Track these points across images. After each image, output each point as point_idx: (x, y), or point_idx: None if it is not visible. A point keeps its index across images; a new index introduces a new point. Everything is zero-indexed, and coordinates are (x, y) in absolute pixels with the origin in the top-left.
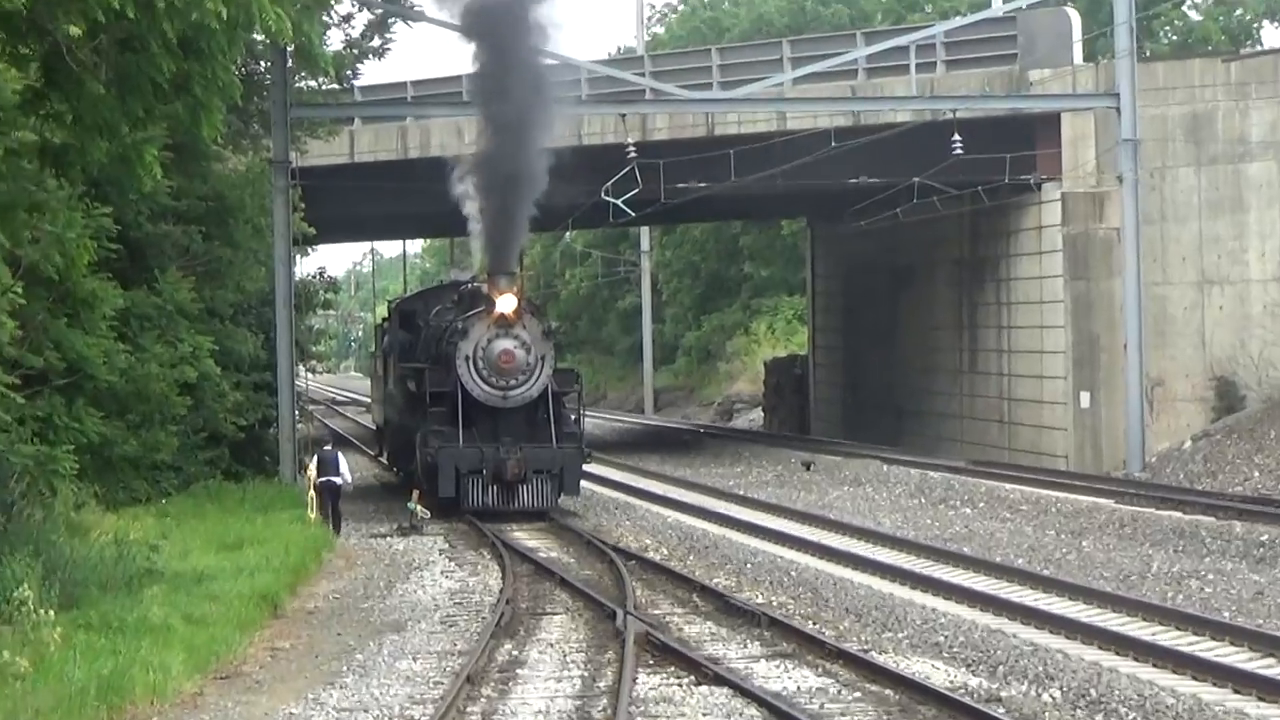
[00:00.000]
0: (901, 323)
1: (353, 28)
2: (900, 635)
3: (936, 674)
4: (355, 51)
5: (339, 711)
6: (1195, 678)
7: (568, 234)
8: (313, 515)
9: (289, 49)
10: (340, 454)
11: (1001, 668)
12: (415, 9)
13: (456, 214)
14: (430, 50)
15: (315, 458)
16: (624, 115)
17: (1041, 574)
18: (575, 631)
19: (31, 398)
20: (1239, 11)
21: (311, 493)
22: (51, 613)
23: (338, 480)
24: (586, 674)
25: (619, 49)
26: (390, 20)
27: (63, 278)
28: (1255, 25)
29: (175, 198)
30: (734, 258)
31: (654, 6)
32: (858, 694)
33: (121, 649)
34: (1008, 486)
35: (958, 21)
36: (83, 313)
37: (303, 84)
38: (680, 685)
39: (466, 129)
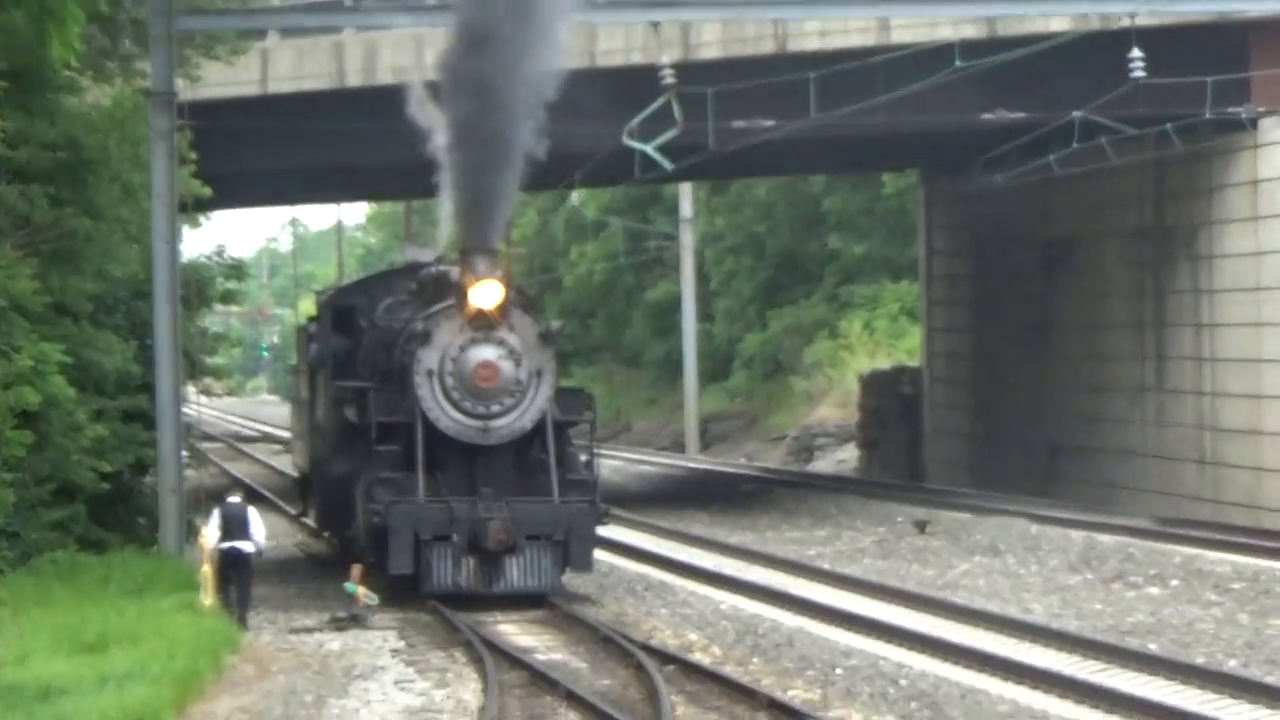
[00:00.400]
0: (1057, 320)
1: None
2: None
3: None
4: None
5: None
6: None
7: (575, 195)
8: (208, 600)
9: None
10: (251, 509)
11: None
12: None
13: (415, 167)
14: None
15: (215, 514)
16: (657, 23)
17: (1264, 682)
18: None
19: None
20: None
21: (207, 567)
22: None
23: (247, 547)
24: None
25: None
26: None
27: None
28: None
29: (10, 145)
30: (814, 228)
31: None
32: None
33: None
34: (1212, 555)
35: None
36: None
37: None
38: None
39: (430, 44)
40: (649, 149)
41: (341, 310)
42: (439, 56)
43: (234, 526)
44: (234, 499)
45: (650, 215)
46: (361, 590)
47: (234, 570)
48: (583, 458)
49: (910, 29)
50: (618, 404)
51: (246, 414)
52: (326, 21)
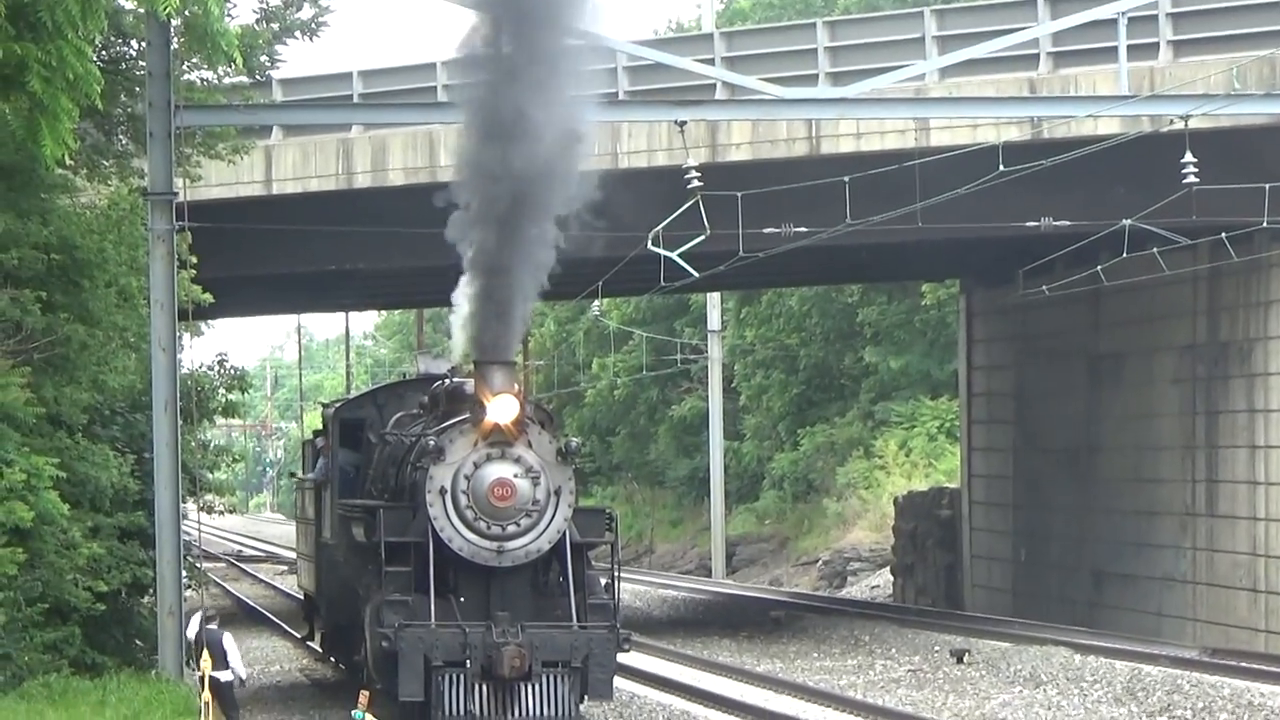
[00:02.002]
0: (1103, 440)
1: None
2: None
3: None
4: (274, 27)
5: None
6: None
7: (597, 304)
8: None
9: (173, 22)
10: (227, 635)
11: None
12: None
13: (427, 273)
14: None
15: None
16: (683, 123)
17: None
18: None
19: None
20: None
21: (207, 694)
22: None
23: (224, 675)
24: None
25: (673, 24)
26: None
27: None
28: None
29: (1, 247)
30: (849, 341)
31: None
32: None
33: None
34: (1265, 689)
35: None
36: None
37: (195, 76)
38: None
39: (443, 143)
40: (675, 255)
41: (349, 424)
42: (454, 154)
43: (213, 654)
44: (211, 625)
45: (676, 327)
46: (369, 718)
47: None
48: (603, 581)
49: (950, 131)
50: (640, 525)
51: (250, 532)
52: (333, 118)
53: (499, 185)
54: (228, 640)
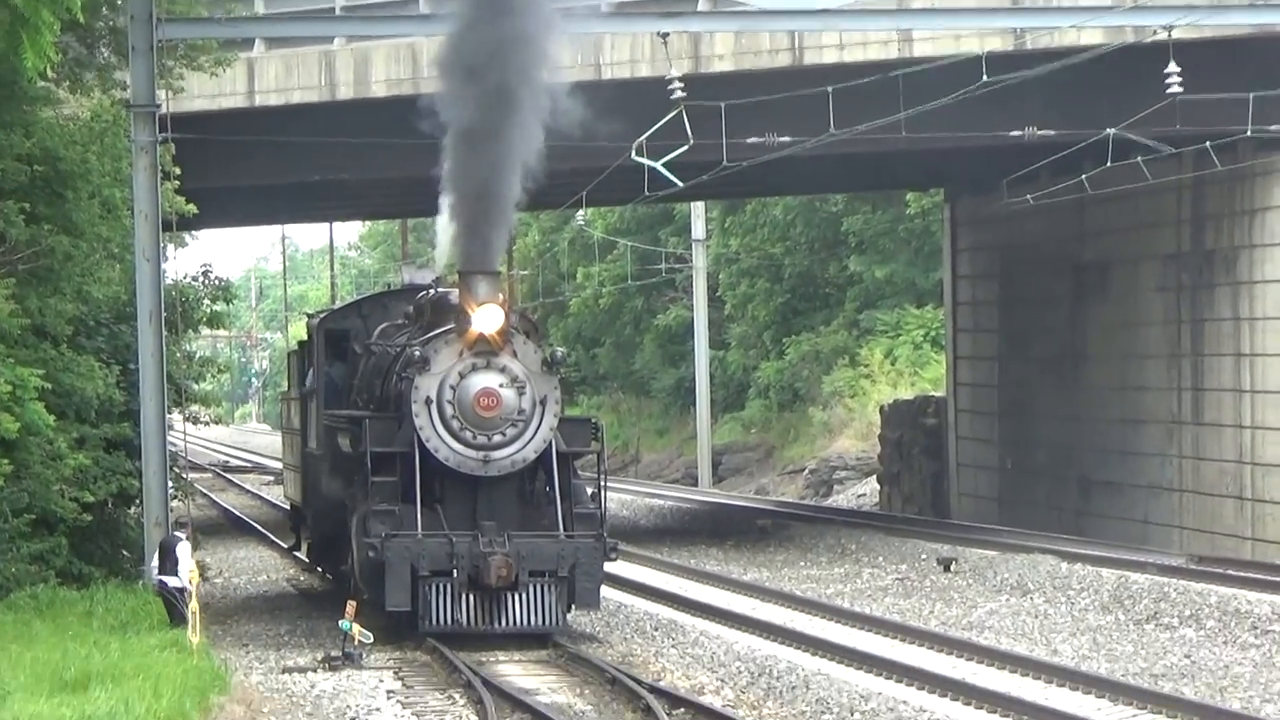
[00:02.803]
0: (1088, 349)
1: None
2: None
3: None
4: None
5: None
6: None
7: (581, 214)
8: (195, 637)
9: None
10: (181, 543)
11: None
12: None
13: (411, 183)
14: None
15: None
16: (666, 35)
17: None
18: None
19: None
20: None
21: (194, 604)
22: None
23: (172, 581)
24: None
25: None
26: None
27: None
28: None
29: None
30: (834, 250)
31: None
32: None
33: None
34: (1251, 596)
35: None
36: None
37: None
38: None
39: (425, 53)
40: (659, 165)
41: (335, 334)
42: (435, 62)
43: (165, 560)
44: (177, 533)
45: (661, 236)
46: (356, 628)
47: (169, 604)
48: (589, 490)
49: (933, 41)
50: (626, 434)
51: (235, 443)
52: (316, 30)
53: (478, 94)
54: (182, 549)
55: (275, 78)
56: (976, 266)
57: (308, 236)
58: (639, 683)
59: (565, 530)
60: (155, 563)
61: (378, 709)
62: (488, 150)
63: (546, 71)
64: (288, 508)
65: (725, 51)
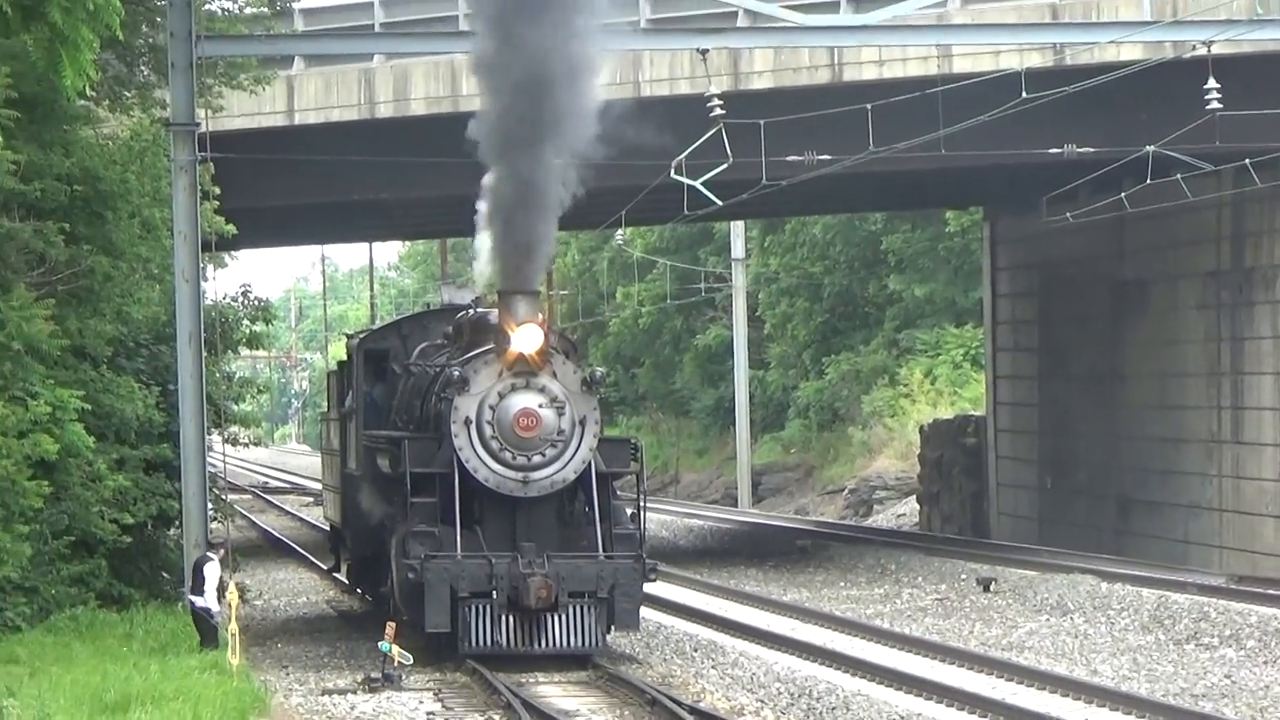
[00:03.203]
0: (1128, 367)
1: None
2: None
3: None
4: None
5: None
6: None
7: (620, 233)
8: (235, 659)
9: None
10: (209, 563)
11: None
12: None
13: (451, 203)
14: None
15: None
16: (705, 51)
17: None
18: None
19: None
20: None
21: (234, 626)
22: None
23: (199, 601)
24: None
25: None
26: None
27: None
28: None
29: (23, 180)
30: (874, 269)
31: None
32: None
33: None
34: None
35: None
36: None
37: (216, 6)
38: None
39: (465, 72)
40: (698, 184)
41: (374, 355)
42: (473, 76)
43: (195, 579)
44: (209, 552)
45: (700, 255)
46: (396, 649)
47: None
48: (629, 511)
49: (973, 58)
50: (665, 454)
51: (275, 464)
52: (355, 48)
53: (516, 114)
54: (210, 568)
55: (315, 96)
56: (1016, 285)
57: (347, 256)
58: (679, 704)
59: (605, 551)
60: (189, 582)
61: None
62: (526, 170)
63: (585, 90)
64: (327, 529)
65: (765, 68)
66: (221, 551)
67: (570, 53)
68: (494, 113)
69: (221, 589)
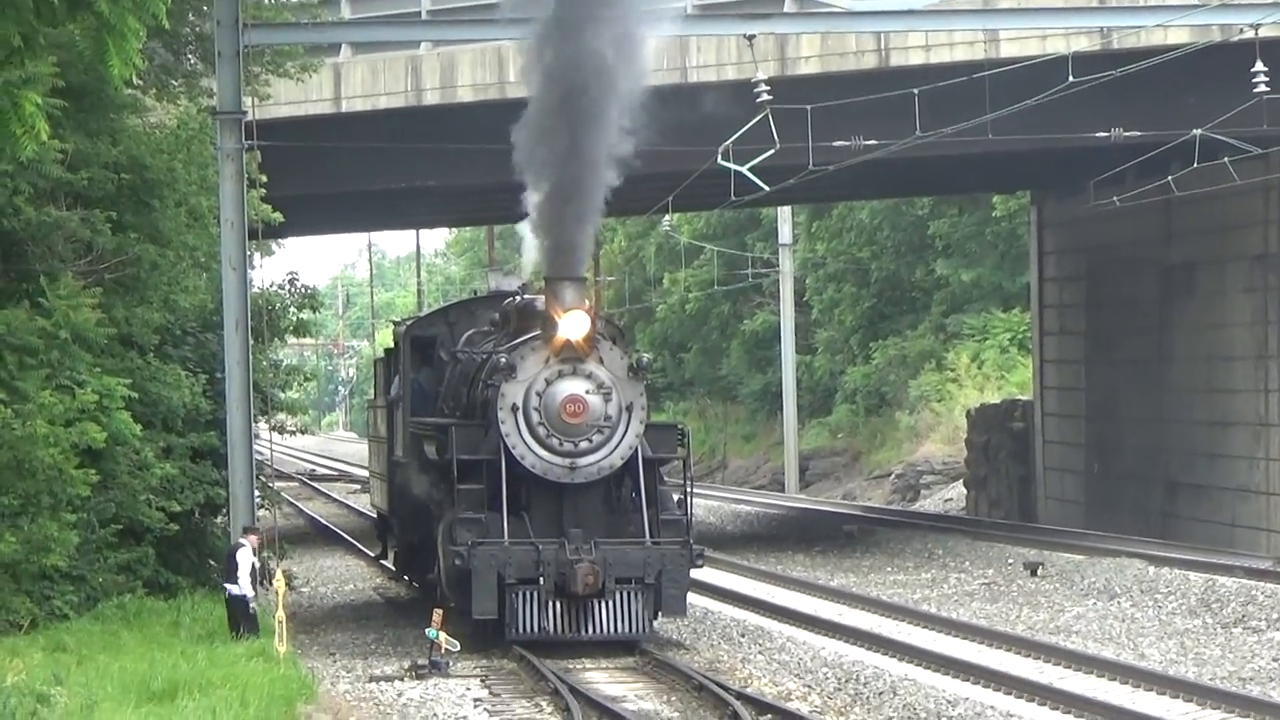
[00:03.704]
0: (1175, 351)
1: None
2: None
3: None
4: None
5: None
6: None
7: (667, 219)
8: (283, 646)
9: None
10: (241, 550)
11: None
12: None
13: (497, 189)
14: None
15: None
16: (751, 37)
17: None
18: None
19: None
20: None
21: (281, 614)
22: None
23: (233, 589)
24: None
25: None
26: None
27: None
28: None
29: (71, 168)
30: (921, 254)
31: None
32: None
33: None
34: None
35: None
36: None
37: None
38: None
39: (512, 60)
40: (745, 170)
41: (421, 342)
42: (524, 75)
43: (229, 567)
44: (241, 539)
45: (747, 241)
46: (443, 636)
47: (233, 613)
48: (676, 496)
49: (1019, 42)
50: (713, 440)
51: (322, 451)
52: (401, 35)
53: (561, 100)
54: (241, 554)
55: (361, 83)
56: (1063, 269)
57: (394, 244)
58: (725, 689)
59: (651, 537)
60: (280, 579)
61: (465, 717)
62: (572, 156)
63: (632, 76)
64: (374, 516)
65: (811, 53)
66: (254, 537)
67: (613, 42)
68: (539, 101)
69: (257, 574)
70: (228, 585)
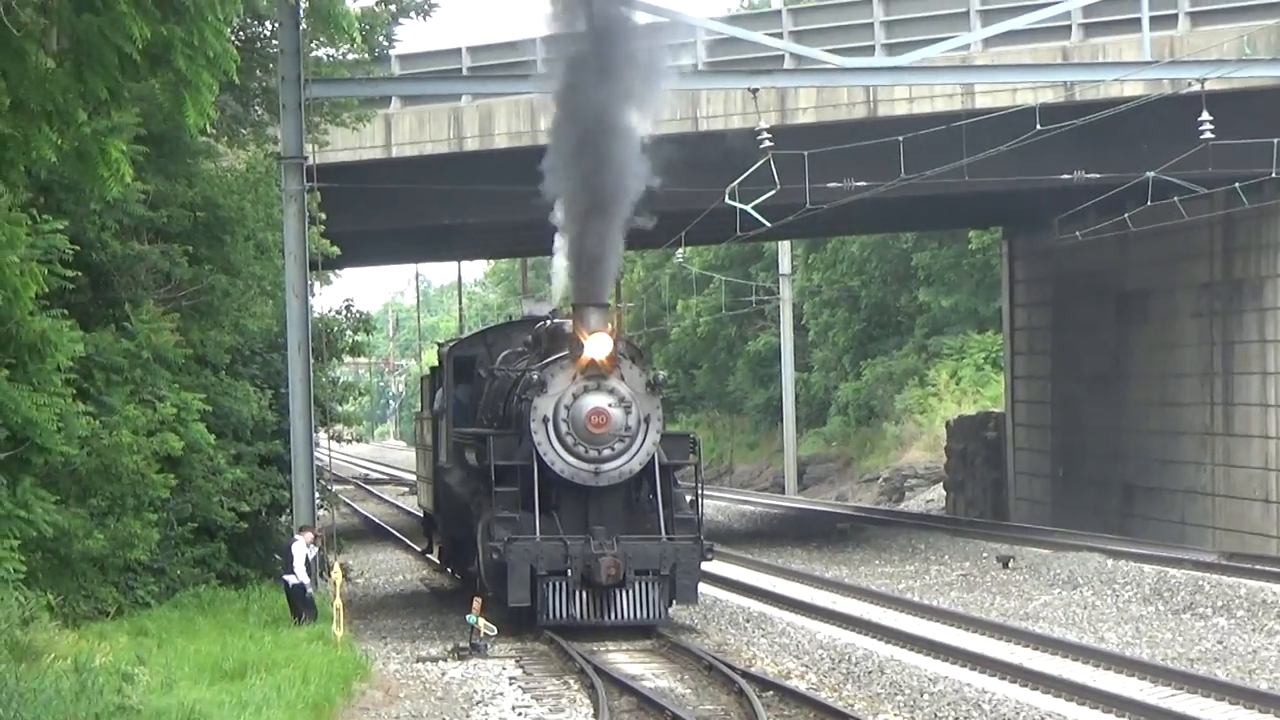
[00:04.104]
0: (1131, 368)
1: None
2: None
3: None
4: (391, 8)
5: None
6: None
7: (680, 252)
8: (340, 631)
9: (301, 5)
10: (296, 544)
11: None
12: None
13: (531, 225)
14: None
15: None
16: (755, 90)
17: None
18: None
19: None
20: None
21: (338, 602)
22: None
23: (291, 580)
24: None
25: (745, 2)
26: None
27: (2, 317)
28: None
29: (152, 207)
30: (905, 282)
31: None
32: None
33: None
34: (1277, 588)
35: None
36: (29, 363)
37: (322, 53)
38: None
39: (543, 111)
40: (749, 208)
41: (462, 361)
42: (548, 126)
43: (286, 560)
44: (296, 535)
45: (752, 271)
46: (482, 622)
47: (292, 601)
48: (688, 498)
49: (992, 94)
50: (720, 448)
51: (375, 458)
52: (445, 89)
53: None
54: (295, 548)
55: (409, 131)
56: (1032, 296)
57: (438, 274)
58: (732, 668)
59: (667, 533)
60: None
61: (501, 693)
62: (596, 197)
63: (647, 127)
64: (421, 515)
65: (808, 104)
66: (309, 534)
67: (627, 102)
68: (562, 153)
69: (313, 565)
70: (285, 576)
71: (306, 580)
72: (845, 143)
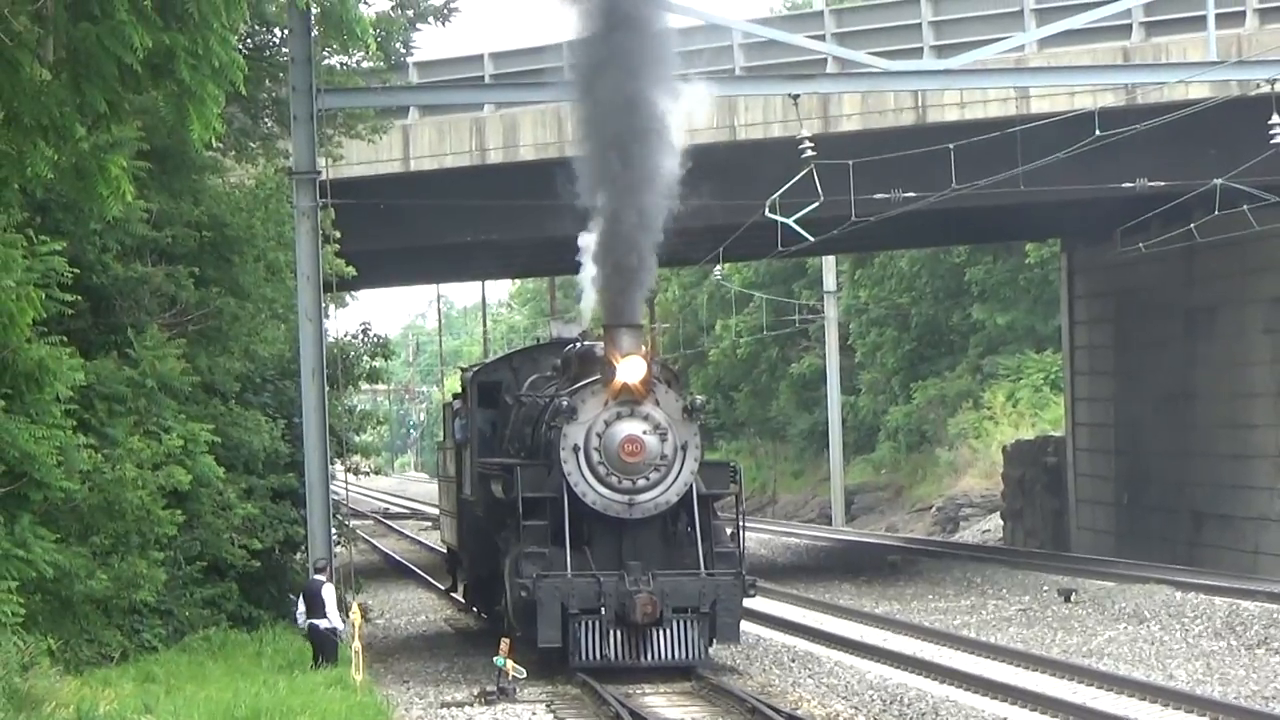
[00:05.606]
0: (1199, 388)
1: None
2: None
3: None
4: (408, 13)
5: None
6: None
7: (718, 269)
8: (359, 675)
9: (313, 10)
10: (327, 586)
11: None
12: None
13: (558, 243)
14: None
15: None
16: (796, 96)
17: None
18: None
19: None
20: None
21: (357, 644)
22: None
23: (323, 624)
24: None
25: (787, 2)
26: None
27: None
28: None
29: (155, 227)
30: (958, 299)
31: None
32: None
33: None
34: None
35: None
36: (26, 393)
37: (335, 61)
38: None
39: (570, 117)
40: (791, 221)
41: (487, 386)
42: (576, 135)
43: (313, 604)
44: (317, 576)
45: (794, 288)
46: (510, 664)
47: (317, 646)
48: (728, 530)
49: (1049, 98)
50: (763, 477)
51: (395, 491)
52: (466, 98)
53: (616, 165)
54: (326, 591)
55: (429, 143)
56: (1092, 312)
57: (461, 295)
58: (777, 711)
59: (706, 568)
60: (302, 607)
61: None
62: (628, 210)
63: (680, 137)
64: (444, 551)
65: (853, 111)
66: (328, 570)
67: (658, 104)
68: (592, 163)
69: (345, 607)
70: (315, 621)
71: (341, 625)
72: (892, 151)
